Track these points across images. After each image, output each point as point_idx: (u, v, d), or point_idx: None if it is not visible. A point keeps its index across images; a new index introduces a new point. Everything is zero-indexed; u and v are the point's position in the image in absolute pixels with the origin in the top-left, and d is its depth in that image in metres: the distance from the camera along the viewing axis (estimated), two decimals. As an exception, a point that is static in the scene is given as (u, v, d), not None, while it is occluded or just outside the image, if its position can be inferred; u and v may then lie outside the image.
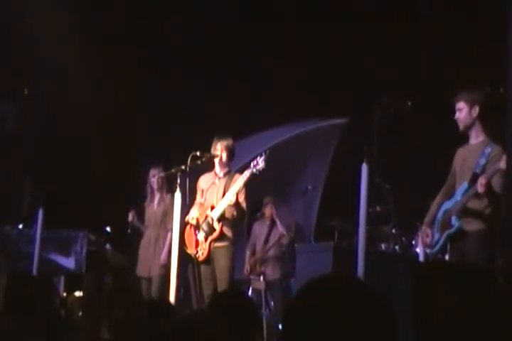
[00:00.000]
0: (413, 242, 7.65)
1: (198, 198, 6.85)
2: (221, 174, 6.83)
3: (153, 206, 8.03)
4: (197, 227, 6.72)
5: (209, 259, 6.64)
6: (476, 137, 5.30)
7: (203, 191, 6.84)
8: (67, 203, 9.19)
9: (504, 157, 4.80)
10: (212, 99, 9.69)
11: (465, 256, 5.09)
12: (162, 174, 7.63)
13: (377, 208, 7.31)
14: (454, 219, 5.21)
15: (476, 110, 5.21)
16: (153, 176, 7.94)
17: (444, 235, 5.25)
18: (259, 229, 9.43)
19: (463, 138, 5.40)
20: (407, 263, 6.10)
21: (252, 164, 6.57)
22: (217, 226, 6.63)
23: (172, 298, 5.88)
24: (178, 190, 6.21)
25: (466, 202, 5.15)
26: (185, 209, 6.53)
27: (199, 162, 6.55)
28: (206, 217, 6.70)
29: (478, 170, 5.11)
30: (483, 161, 5.13)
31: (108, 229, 9.19)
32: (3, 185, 9.08)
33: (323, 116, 10.13)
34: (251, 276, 9.18)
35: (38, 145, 9.74)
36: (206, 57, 9.74)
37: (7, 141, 9.44)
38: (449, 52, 8.43)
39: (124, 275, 8.39)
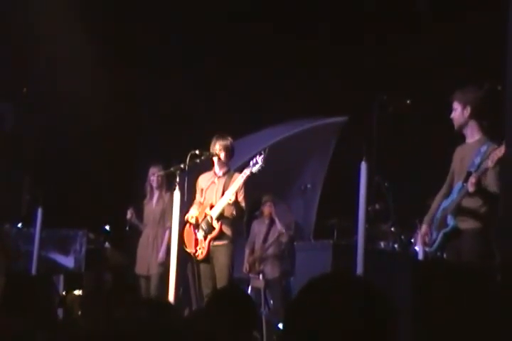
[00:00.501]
0: (412, 240, 7.67)
1: (198, 197, 6.86)
2: (220, 173, 6.83)
3: (152, 204, 8.04)
4: (196, 226, 6.72)
5: (208, 258, 6.64)
6: (472, 136, 5.31)
7: (202, 190, 6.84)
8: (66, 202, 9.19)
9: (492, 155, 4.82)
10: (212, 99, 9.69)
11: (461, 255, 5.10)
12: (161, 172, 7.65)
13: (377, 206, 7.31)
14: (449, 217, 5.24)
15: (468, 110, 5.23)
16: (153, 174, 7.95)
17: (440, 234, 5.28)
18: (258, 228, 9.43)
19: (462, 136, 5.41)
20: (406, 261, 6.10)
21: (251, 163, 6.58)
22: (216, 225, 6.64)
23: (171, 297, 5.88)
24: (177, 188, 6.20)
25: (460, 201, 5.18)
26: (184, 208, 6.53)
27: (198, 161, 6.55)
28: (205, 215, 6.70)
29: (472, 169, 5.12)
30: (478, 160, 5.13)
31: (107, 227, 9.21)
32: (2, 184, 9.07)
33: (322, 115, 10.14)
34: (250, 275, 9.18)
35: (37, 144, 9.72)
36: (206, 57, 9.74)
37: (7, 140, 9.43)
38: (448, 52, 8.43)
39: (123, 274, 8.39)
